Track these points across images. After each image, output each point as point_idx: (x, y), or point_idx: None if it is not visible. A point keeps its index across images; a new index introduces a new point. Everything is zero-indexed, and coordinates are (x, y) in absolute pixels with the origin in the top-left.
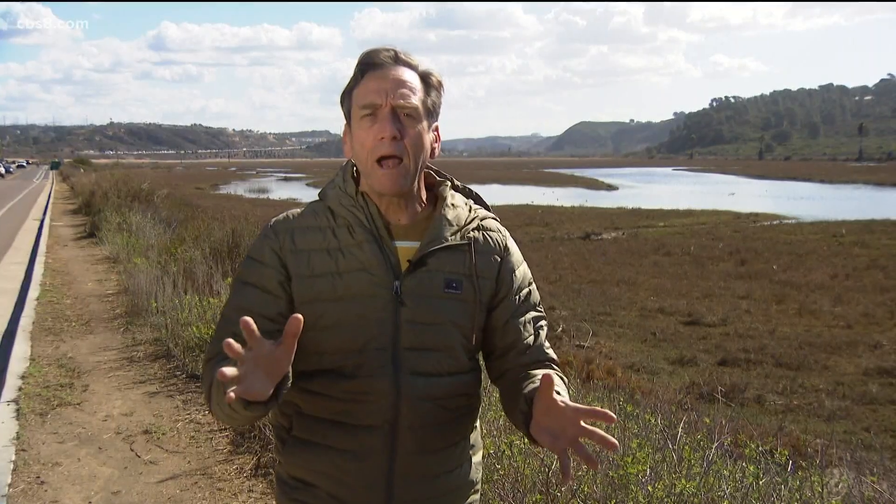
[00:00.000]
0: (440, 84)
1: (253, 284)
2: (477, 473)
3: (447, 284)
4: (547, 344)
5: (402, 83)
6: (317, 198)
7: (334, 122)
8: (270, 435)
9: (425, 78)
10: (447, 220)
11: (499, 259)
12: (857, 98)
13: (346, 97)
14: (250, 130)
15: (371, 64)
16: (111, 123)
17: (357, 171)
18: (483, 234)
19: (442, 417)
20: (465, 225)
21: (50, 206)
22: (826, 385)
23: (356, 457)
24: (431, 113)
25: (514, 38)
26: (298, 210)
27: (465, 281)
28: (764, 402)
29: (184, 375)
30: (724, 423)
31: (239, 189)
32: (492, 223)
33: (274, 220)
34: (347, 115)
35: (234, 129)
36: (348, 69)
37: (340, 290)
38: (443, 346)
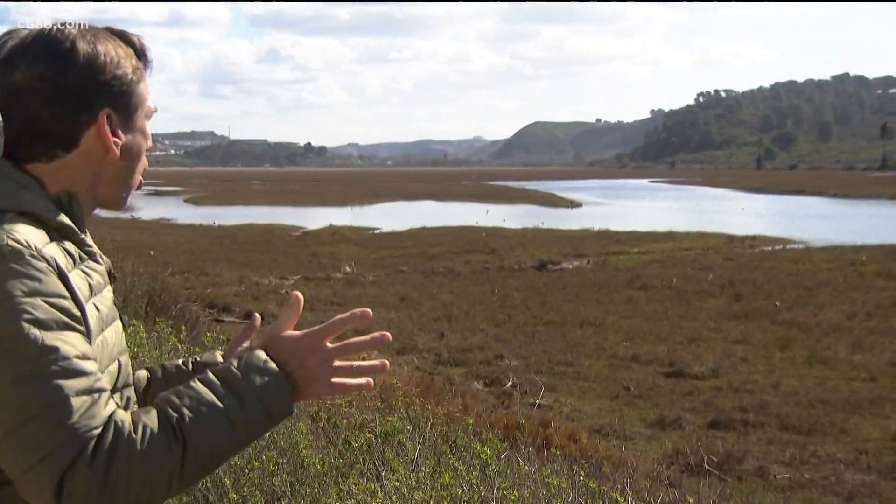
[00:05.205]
0: None
1: (71, 327)
2: None
3: None
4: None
5: None
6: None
7: (219, 120)
8: None
9: None
10: None
11: None
12: (878, 91)
13: (130, 88)
14: None
15: (146, 57)
16: None
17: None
18: None
19: None
20: None
21: None
22: (845, 454)
23: None
24: None
25: (449, 16)
26: (10, 225)
27: None
28: (766, 476)
29: None
30: (714, 501)
31: None
32: None
33: (17, 243)
34: (125, 111)
35: None
36: (236, 53)
37: (104, 316)
38: None
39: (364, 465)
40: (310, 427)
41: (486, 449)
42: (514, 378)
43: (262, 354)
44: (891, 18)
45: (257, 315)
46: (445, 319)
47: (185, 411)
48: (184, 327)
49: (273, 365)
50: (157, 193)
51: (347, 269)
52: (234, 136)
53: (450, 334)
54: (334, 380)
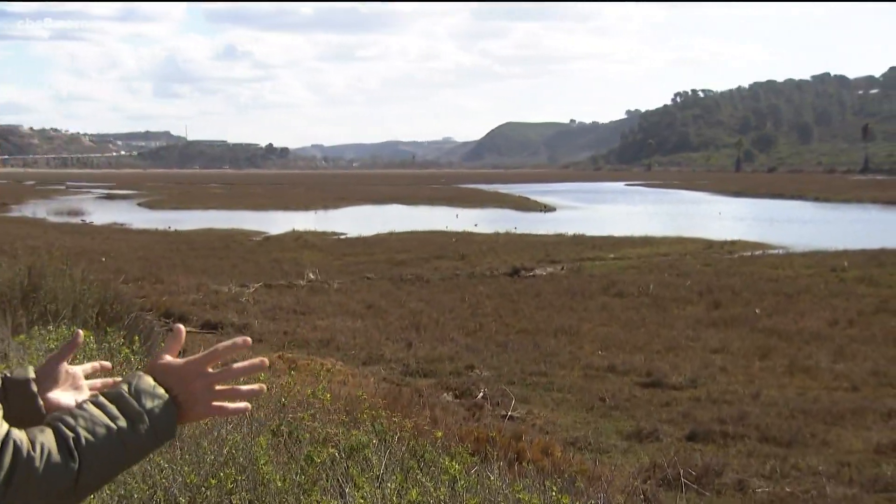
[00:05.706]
0: None
1: None
2: None
3: None
4: None
5: None
6: None
7: (175, 120)
8: None
9: None
10: None
11: None
12: (860, 92)
13: None
14: (55, 130)
15: None
16: None
17: None
18: None
19: None
20: None
21: None
22: (827, 466)
23: None
24: None
25: (417, 12)
26: None
27: None
28: (746, 489)
29: None
30: None
31: (40, 210)
32: None
33: None
34: None
35: (31, 128)
36: (193, 49)
37: None
38: None
39: (327, 481)
40: (270, 442)
41: (455, 464)
42: (486, 389)
43: (150, 380)
44: (871, 18)
45: (80, 331)
46: (414, 328)
47: (81, 432)
48: (137, 338)
49: (161, 390)
50: (109, 197)
51: (311, 275)
52: (191, 137)
53: (418, 344)
54: (215, 403)
